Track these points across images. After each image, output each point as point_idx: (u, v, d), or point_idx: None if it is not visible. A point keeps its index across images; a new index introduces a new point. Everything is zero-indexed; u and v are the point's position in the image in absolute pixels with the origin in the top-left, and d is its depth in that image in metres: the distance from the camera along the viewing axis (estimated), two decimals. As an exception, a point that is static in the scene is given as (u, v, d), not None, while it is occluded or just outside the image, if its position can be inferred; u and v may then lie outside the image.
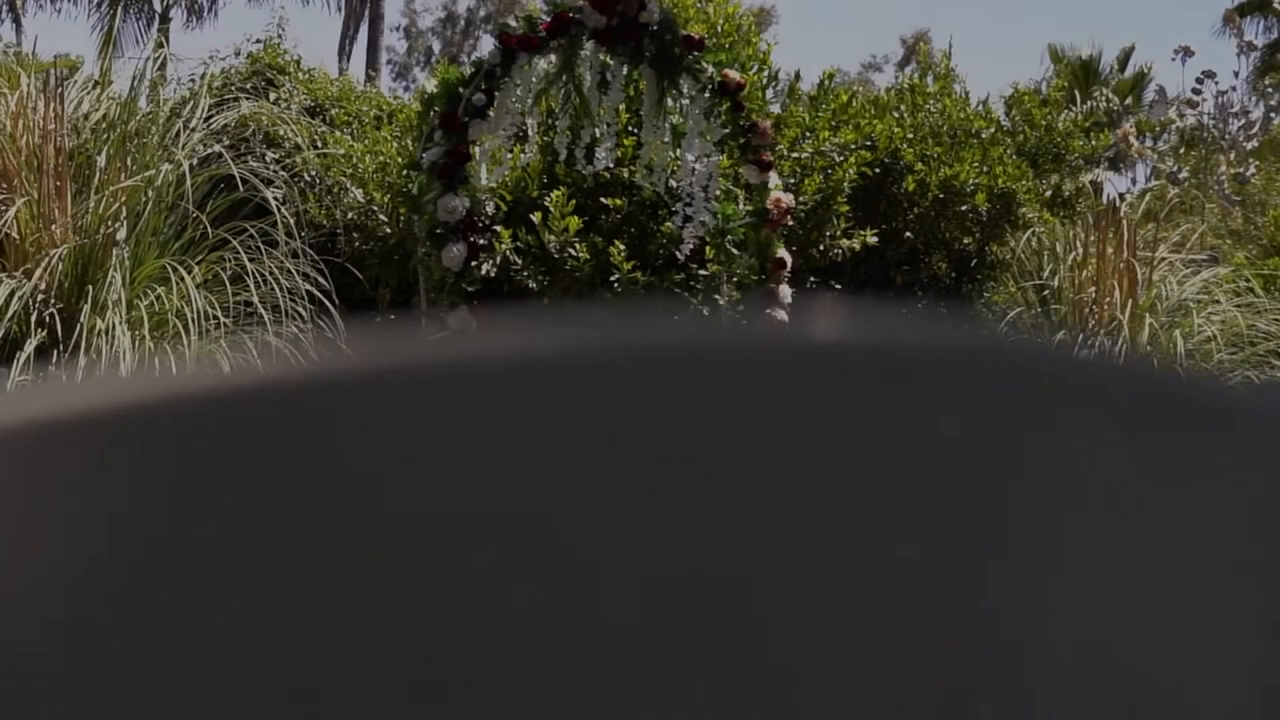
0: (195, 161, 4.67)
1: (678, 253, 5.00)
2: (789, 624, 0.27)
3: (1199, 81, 8.73)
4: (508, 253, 5.27)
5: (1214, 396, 0.32)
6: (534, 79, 4.69)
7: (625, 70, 4.81)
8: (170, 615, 0.26)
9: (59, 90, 4.48)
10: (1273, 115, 8.75)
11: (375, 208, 5.88)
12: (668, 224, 5.23)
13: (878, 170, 6.19)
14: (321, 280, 4.46)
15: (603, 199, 5.54)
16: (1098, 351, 4.70)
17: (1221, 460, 0.32)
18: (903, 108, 6.56)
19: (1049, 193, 7.12)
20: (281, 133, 6.24)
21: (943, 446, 0.28)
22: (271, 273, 4.32)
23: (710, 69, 4.74)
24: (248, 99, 6.16)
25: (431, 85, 4.92)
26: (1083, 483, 0.29)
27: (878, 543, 0.27)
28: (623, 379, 0.27)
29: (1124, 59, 19.54)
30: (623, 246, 5.20)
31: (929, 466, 0.28)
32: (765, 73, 6.36)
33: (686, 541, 0.27)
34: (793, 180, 5.72)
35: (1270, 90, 9.15)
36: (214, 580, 0.26)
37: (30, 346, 3.84)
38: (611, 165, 5.13)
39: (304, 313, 4.37)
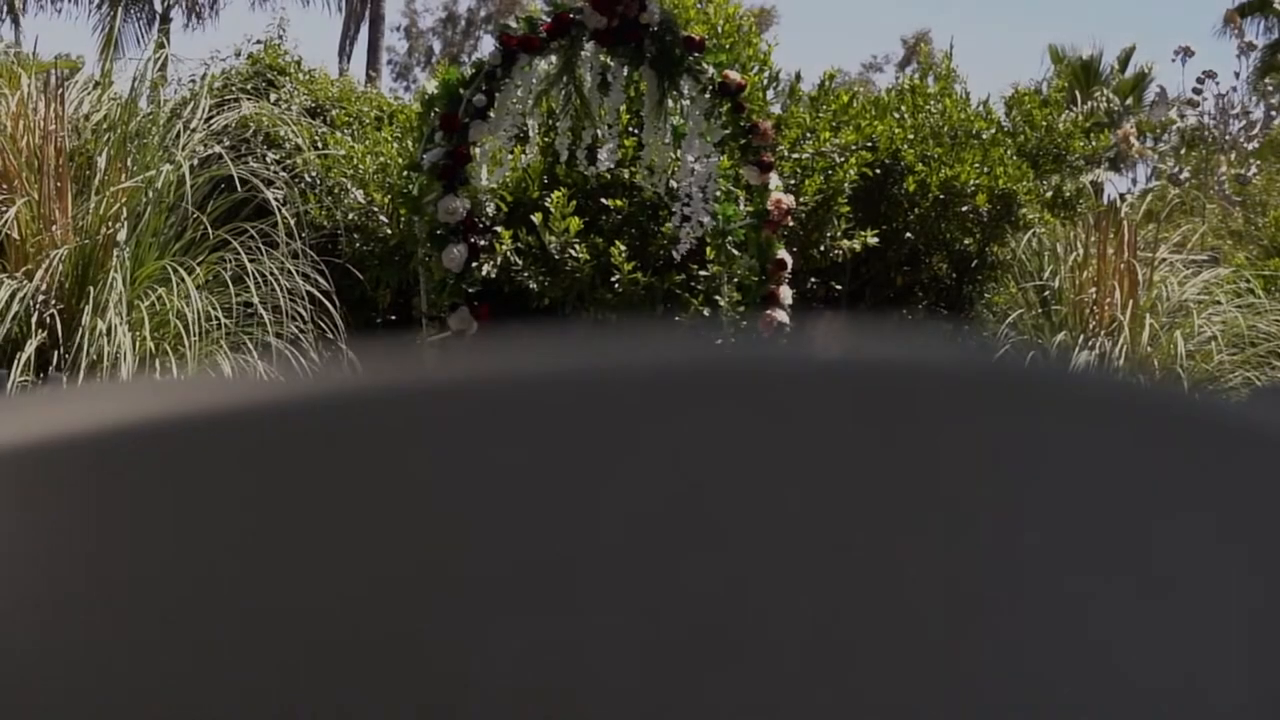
0: (196, 162, 4.67)
1: (674, 252, 5.00)
2: (792, 635, 0.27)
3: (1199, 82, 8.71)
4: (508, 254, 5.27)
5: (1211, 409, 0.32)
6: (534, 80, 4.69)
7: (626, 71, 4.81)
8: (173, 623, 0.26)
9: (59, 91, 4.48)
10: (1273, 115, 8.74)
11: (376, 209, 5.88)
12: (668, 225, 5.24)
13: (878, 171, 6.19)
14: (322, 281, 4.46)
15: (603, 200, 5.54)
16: (1097, 355, 4.69)
17: (1219, 471, 0.32)
18: (903, 108, 6.56)
19: (1050, 193, 7.13)
20: (282, 133, 6.23)
21: (943, 464, 0.28)
22: (272, 273, 4.32)
23: (711, 70, 4.75)
24: (248, 100, 6.15)
25: (432, 86, 4.92)
26: (1081, 495, 0.29)
27: (879, 554, 0.28)
28: (629, 395, 0.27)
29: (1124, 59, 19.51)
30: (623, 247, 5.20)
31: (928, 482, 0.28)
32: (766, 73, 6.37)
33: (689, 554, 0.27)
34: (793, 181, 5.73)
35: (1271, 90, 9.14)
36: (216, 589, 0.26)
37: (31, 347, 3.84)
38: (613, 166, 5.13)
39: (304, 313, 4.37)
